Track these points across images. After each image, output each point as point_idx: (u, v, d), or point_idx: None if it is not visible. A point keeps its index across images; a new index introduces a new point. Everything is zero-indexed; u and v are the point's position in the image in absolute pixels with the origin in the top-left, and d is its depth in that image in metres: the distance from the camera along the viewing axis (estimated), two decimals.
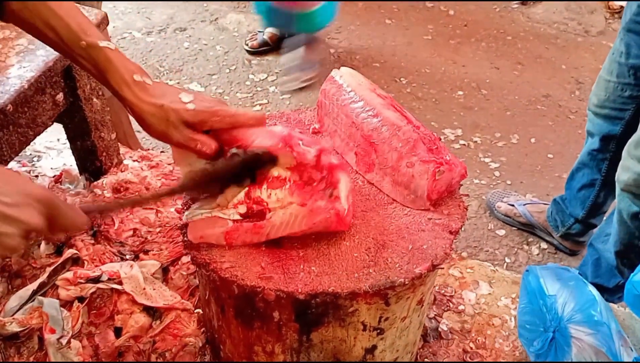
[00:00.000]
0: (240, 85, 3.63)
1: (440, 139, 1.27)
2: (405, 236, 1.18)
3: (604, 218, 2.69)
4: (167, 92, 1.07)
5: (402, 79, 3.82)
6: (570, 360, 1.47)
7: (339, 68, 1.41)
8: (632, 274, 1.58)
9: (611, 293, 2.40)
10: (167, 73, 3.68)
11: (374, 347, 1.27)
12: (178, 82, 3.59)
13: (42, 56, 1.47)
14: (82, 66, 1.06)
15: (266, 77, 3.71)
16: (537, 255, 2.82)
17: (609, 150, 2.45)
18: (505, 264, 2.75)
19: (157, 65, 3.74)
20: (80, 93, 1.61)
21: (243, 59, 3.86)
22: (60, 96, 1.56)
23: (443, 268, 1.82)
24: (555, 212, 2.82)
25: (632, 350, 1.57)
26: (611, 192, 2.56)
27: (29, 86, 1.40)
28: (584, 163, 2.59)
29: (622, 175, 2.16)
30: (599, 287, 2.36)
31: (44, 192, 0.87)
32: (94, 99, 1.67)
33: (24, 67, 1.44)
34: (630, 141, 2.12)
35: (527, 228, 2.92)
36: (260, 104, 3.50)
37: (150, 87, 1.06)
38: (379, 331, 1.22)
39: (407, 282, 1.09)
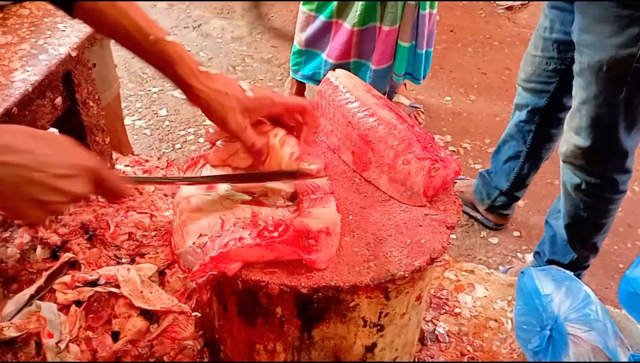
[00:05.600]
0: None
1: (433, 139, 1.36)
2: (404, 231, 1.25)
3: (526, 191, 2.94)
4: (229, 81, 1.21)
5: None
6: (568, 357, 1.55)
7: (333, 70, 1.50)
8: (627, 270, 1.67)
9: (568, 269, 2.53)
10: (150, 80, 3.74)
11: (374, 345, 1.34)
12: (161, 89, 3.65)
13: (45, 60, 1.55)
14: (148, 60, 1.19)
15: (252, 84, 3.77)
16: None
17: (535, 122, 2.64)
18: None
19: (140, 72, 3.80)
20: (78, 97, 1.70)
21: (227, 65, 3.93)
22: (59, 100, 1.64)
23: (441, 262, 1.90)
24: (481, 185, 3.01)
25: (628, 349, 1.64)
26: (535, 164, 2.79)
27: (33, 90, 1.48)
28: (510, 135, 2.78)
29: (562, 147, 2.33)
30: (555, 264, 2.51)
31: (91, 161, 1.00)
32: (91, 103, 1.74)
33: (27, 71, 1.52)
34: (568, 113, 2.27)
35: None
36: None
37: (215, 77, 1.20)
38: (379, 327, 1.29)
39: (407, 275, 1.17)
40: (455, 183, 1.38)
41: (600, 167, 2.26)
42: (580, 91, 2.16)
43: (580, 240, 2.47)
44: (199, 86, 1.17)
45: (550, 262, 2.55)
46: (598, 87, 2.09)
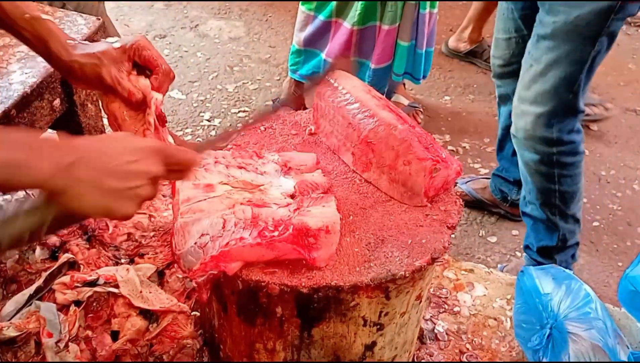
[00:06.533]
0: (222, 92, 3.69)
1: (434, 139, 1.36)
2: (404, 231, 1.26)
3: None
4: (96, 44, 1.25)
5: None
6: (568, 355, 1.56)
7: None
8: (627, 269, 1.67)
9: (559, 251, 2.54)
10: None
11: (374, 344, 1.34)
12: None
13: (43, 62, 1.54)
14: (23, 37, 1.22)
15: (248, 84, 3.78)
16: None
17: None
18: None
19: None
20: (76, 99, 1.70)
21: (225, 66, 3.92)
22: (57, 102, 1.64)
23: (442, 262, 1.90)
24: (499, 185, 2.99)
25: (628, 347, 1.65)
26: None
27: (32, 92, 1.48)
28: (508, 128, 2.73)
29: (520, 122, 2.32)
30: (546, 250, 2.51)
31: (156, 143, 1.06)
32: (89, 105, 1.75)
33: (25, 73, 1.53)
34: (517, 89, 2.28)
35: (476, 204, 3.10)
36: (242, 111, 3.57)
37: (82, 45, 1.24)
38: (378, 326, 1.30)
39: (407, 275, 1.17)
40: (456, 183, 1.38)
41: (557, 131, 2.26)
42: (546, 54, 2.15)
43: (559, 214, 2.47)
44: (68, 58, 1.21)
45: (540, 249, 2.55)
46: (571, 45, 2.09)
